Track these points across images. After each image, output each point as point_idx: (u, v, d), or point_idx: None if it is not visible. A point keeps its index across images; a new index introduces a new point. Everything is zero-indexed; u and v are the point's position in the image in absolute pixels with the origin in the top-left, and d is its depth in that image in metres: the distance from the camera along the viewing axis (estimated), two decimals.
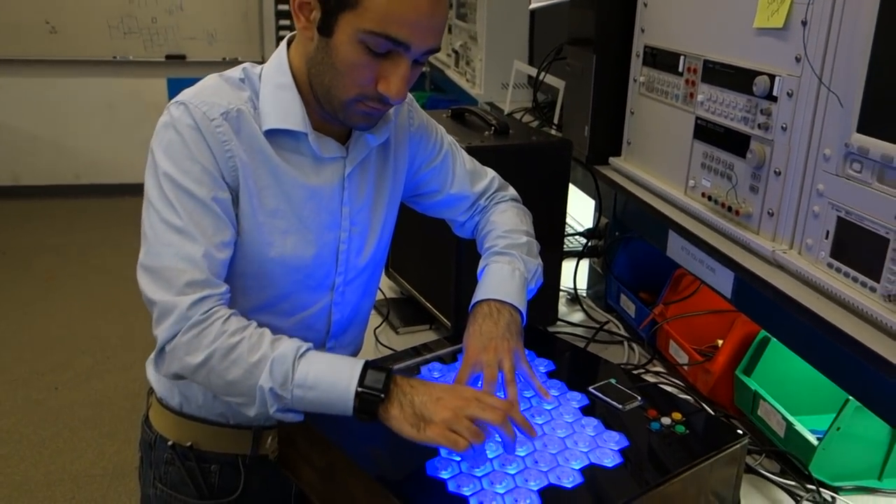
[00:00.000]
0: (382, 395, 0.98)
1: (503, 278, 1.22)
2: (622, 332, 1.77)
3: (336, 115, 1.09)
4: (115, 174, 5.72)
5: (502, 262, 1.25)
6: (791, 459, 1.26)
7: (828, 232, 1.07)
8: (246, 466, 1.26)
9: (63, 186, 5.75)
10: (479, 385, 1.11)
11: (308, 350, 1.02)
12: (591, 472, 1.02)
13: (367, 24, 0.98)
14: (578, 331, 1.76)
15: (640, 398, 1.19)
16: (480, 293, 1.21)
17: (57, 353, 3.68)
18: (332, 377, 1.00)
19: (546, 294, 1.73)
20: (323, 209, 1.16)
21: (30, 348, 3.72)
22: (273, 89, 1.11)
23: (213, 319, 1.03)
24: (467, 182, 1.36)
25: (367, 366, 1.01)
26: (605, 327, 1.77)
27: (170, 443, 1.25)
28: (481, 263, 1.28)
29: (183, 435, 1.25)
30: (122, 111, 5.65)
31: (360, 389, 0.99)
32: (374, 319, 1.76)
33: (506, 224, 1.32)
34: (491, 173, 1.40)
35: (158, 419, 1.27)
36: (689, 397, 1.45)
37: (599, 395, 1.20)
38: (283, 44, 1.14)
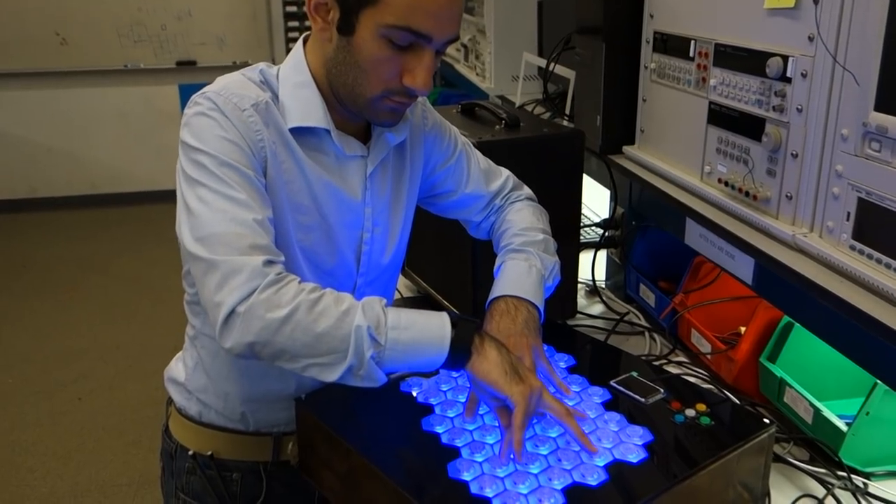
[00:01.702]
0: (479, 327, 1.00)
1: (520, 275, 1.21)
2: (643, 322, 1.75)
3: (362, 113, 1.08)
4: (132, 183, 5.75)
5: (518, 259, 1.23)
6: (820, 446, 1.24)
7: (849, 213, 1.04)
8: (268, 473, 1.25)
9: (80, 197, 5.78)
10: None
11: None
12: (616, 468, 1.00)
13: (388, 19, 0.98)
14: (598, 323, 1.74)
15: (663, 391, 1.17)
16: (497, 290, 1.20)
17: (79, 363, 3.70)
18: (424, 317, 0.99)
19: (564, 286, 1.71)
20: (346, 208, 1.15)
21: (52, 360, 3.75)
22: (293, 88, 1.10)
23: (289, 279, 0.98)
24: (482, 182, 1.34)
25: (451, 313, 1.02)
26: (626, 318, 1.75)
27: (190, 452, 1.24)
28: (498, 261, 1.27)
29: (203, 444, 1.24)
30: (135, 119, 5.68)
31: (455, 320, 0.99)
32: None
33: (522, 222, 1.31)
34: (505, 173, 1.38)
35: (178, 429, 1.27)
36: (713, 387, 1.43)
37: (622, 389, 1.18)
38: (299, 43, 1.14)
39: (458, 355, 0.99)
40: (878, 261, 0.99)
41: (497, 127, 1.61)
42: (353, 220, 1.17)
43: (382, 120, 1.10)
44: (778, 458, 1.23)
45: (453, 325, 1.00)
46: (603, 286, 1.93)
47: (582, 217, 1.81)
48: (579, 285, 1.83)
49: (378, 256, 1.22)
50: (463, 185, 1.33)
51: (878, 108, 0.96)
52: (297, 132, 1.10)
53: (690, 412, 1.11)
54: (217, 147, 1.02)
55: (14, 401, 3.41)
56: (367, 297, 1.00)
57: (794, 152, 1.13)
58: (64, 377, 3.58)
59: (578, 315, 1.76)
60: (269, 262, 0.98)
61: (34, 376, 3.60)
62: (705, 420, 1.10)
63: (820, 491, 1.18)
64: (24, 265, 4.83)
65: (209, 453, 1.23)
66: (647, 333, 1.69)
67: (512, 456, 1.00)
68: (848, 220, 1.05)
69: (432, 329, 0.99)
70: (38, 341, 3.92)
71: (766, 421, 1.10)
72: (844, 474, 1.19)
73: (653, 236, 1.79)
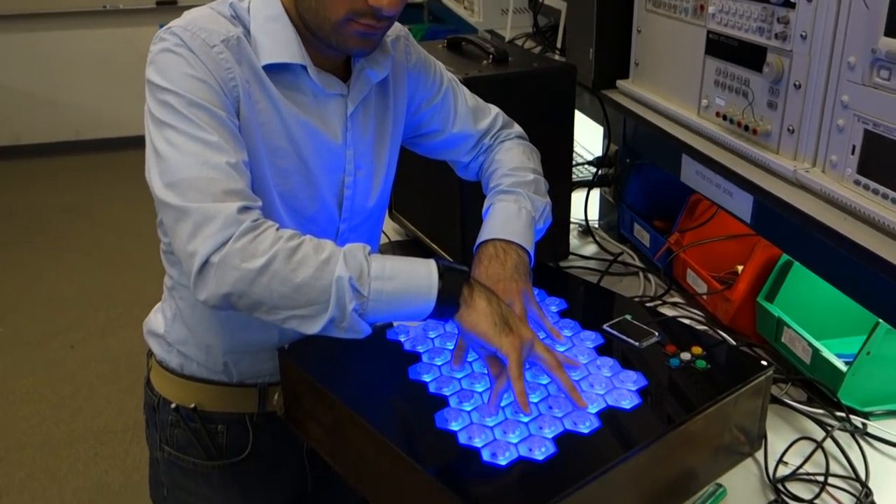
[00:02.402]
0: (469, 277, 0.95)
1: (509, 217, 1.16)
2: (637, 263, 1.71)
3: (330, 40, 1.01)
4: (116, 128, 5.63)
5: (508, 200, 1.18)
6: (818, 387, 1.21)
7: (854, 147, 1.00)
8: (254, 424, 1.22)
9: (64, 143, 5.67)
10: None
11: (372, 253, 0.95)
12: (609, 415, 0.97)
13: None
14: (591, 264, 1.70)
15: (657, 333, 1.13)
16: (485, 233, 1.15)
17: (70, 311, 3.67)
18: (410, 265, 0.94)
19: (557, 227, 1.66)
20: (326, 151, 1.10)
21: (43, 308, 3.71)
22: (264, 22, 1.03)
23: (266, 226, 0.92)
24: (470, 120, 1.28)
25: (438, 258, 0.97)
26: (619, 259, 1.71)
27: (173, 405, 1.21)
28: (486, 203, 1.22)
29: (186, 396, 1.21)
30: (116, 62, 5.53)
31: (442, 266, 0.94)
32: None
33: (511, 162, 1.25)
34: (495, 110, 1.32)
35: (160, 381, 1.23)
36: (708, 329, 1.40)
37: (615, 332, 1.14)
38: None
39: (446, 306, 0.95)
40: (885, 196, 0.95)
41: (484, 62, 1.54)
42: (334, 163, 1.11)
43: (352, 47, 1.03)
44: (775, 400, 1.20)
45: (440, 274, 0.94)
46: (596, 226, 1.89)
47: (574, 155, 1.75)
48: (571, 226, 1.78)
49: (361, 201, 1.17)
50: (450, 125, 1.27)
51: (888, 34, 0.91)
52: (272, 69, 1.03)
53: (686, 355, 1.08)
54: (185, 86, 0.96)
55: (6, 350, 3.38)
56: (350, 245, 0.95)
57: (797, 83, 1.08)
58: (55, 325, 3.56)
59: (571, 256, 1.72)
60: (245, 209, 0.93)
61: (25, 325, 3.57)
62: (701, 363, 1.07)
63: (817, 432, 1.15)
64: (10, 213, 4.76)
65: (192, 406, 1.20)
66: (641, 274, 1.65)
67: (502, 406, 0.97)
68: (853, 153, 1.00)
69: (418, 279, 0.94)
70: (28, 290, 3.88)
71: (764, 363, 1.07)
72: (843, 415, 1.16)
73: (647, 174, 1.73)
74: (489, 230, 1.15)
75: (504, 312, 0.97)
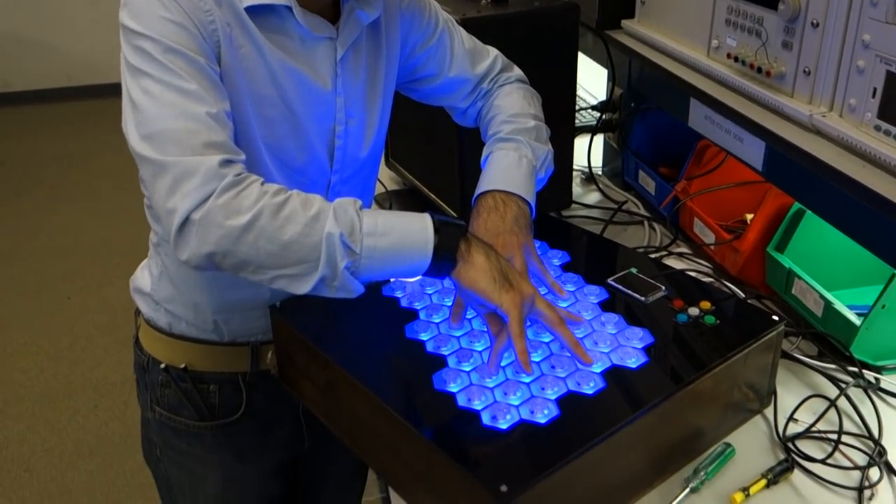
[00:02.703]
0: (465, 232, 0.91)
1: (509, 167, 1.10)
2: (642, 211, 1.66)
3: None
4: (109, 73, 5.50)
5: (508, 148, 1.12)
6: (830, 341, 1.17)
7: (875, 89, 0.95)
8: (247, 384, 1.19)
9: (56, 90, 5.56)
10: None
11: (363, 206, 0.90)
12: (614, 374, 0.93)
13: None
14: (595, 213, 1.65)
15: (664, 287, 1.09)
16: (484, 184, 1.10)
17: (66, 262, 3.63)
18: (404, 220, 0.89)
19: (559, 175, 1.60)
20: (315, 99, 1.03)
21: (39, 259, 3.68)
22: None
23: (250, 181, 0.87)
24: (467, 63, 1.22)
25: (434, 213, 0.92)
26: (624, 207, 1.66)
27: (162, 365, 1.17)
28: (485, 151, 1.16)
29: (176, 356, 1.17)
30: (106, 4, 5.38)
31: (438, 222, 0.89)
32: None
33: (511, 108, 1.19)
34: (493, 52, 1.25)
35: (148, 341, 1.20)
36: (715, 280, 1.35)
37: (619, 287, 1.10)
38: None
39: (443, 262, 0.90)
40: None
41: (483, 2, 1.46)
42: (324, 111, 1.05)
43: None
44: (785, 355, 1.16)
45: (436, 229, 0.89)
46: (599, 173, 1.83)
47: (577, 100, 1.69)
48: (574, 173, 1.72)
49: (354, 151, 1.11)
50: (446, 69, 1.21)
51: None
52: (255, 11, 0.96)
53: (694, 311, 1.04)
54: (161, 30, 0.89)
55: (2, 302, 3.35)
56: (340, 199, 0.89)
57: (815, 21, 1.02)
58: (51, 276, 3.52)
59: (573, 205, 1.67)
60: (227, 162, 0.87)
61: (21, 276, 3.54)
62: (710, 319, 1.02)
63: (828, 387, 1.11)
64: (2, 163, 4.69)
65: (183, 366, 1.16)
66: (646, 223, 1.60)
67: (503, 366, 0.93)
68: (873, 96, 0.95)
69: (413, 235, 0.89)
70: (22, 240, 3.84)
71: (775, 318, 1.02)
72: (855, 370, 1.12)
73: (653, 119, 1.67)
74: (488, 181, 1.10)
75: (503, 267, 0.92)
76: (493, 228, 1.04)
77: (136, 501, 2.38)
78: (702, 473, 0.95)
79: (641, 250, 1.47)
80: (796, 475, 0.97)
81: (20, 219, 4.05)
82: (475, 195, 1.10)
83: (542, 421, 0.86)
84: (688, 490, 0.94)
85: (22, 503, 2.39)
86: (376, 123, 1.13)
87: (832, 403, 1.02)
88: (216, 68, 0.93)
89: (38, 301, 3.36)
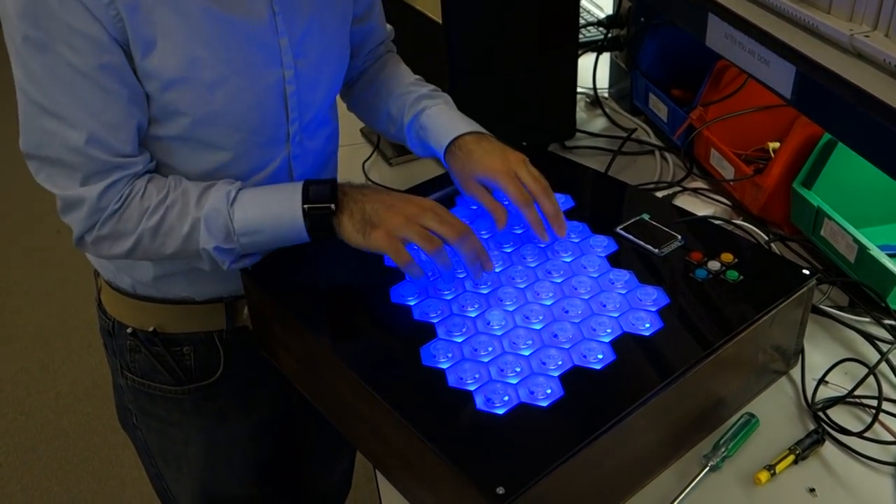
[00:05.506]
0: (332, 206, 0.90)
1: (461, 116, 1.05)
2: (653, 140, 1.52)
3: None
4: None
5: (441, 102, 1.07)
6: (864, 290, 1.05)
7: None
8: (224, 343, 1.09)
9: None
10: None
11: (240, 192, 0.91)
12: (625, 343, 0.83)
13: None
14: (601, 142, 1.52)
15: (680, 237, 0.98)
16: (449, 131, 1.02)
17: (52, 194, 3.52)
18: (276, 209, 0.91)
19: (562, 101, 1.48)
20: (254, 46, 0.90)
21: (25, 191, 3.56)
22: None
23: (129, 201, 0.90)
24: (383, 17, 1.16)
25: (309, 183, 0.92)
26: (633, 136, 1.52)
27: (129, 329, 1.07)
28: (411, 110, 1.07)
29: (143, 319, 1.07)
30: None
31: (307, 207, 0.90)
32: (364, 150, 1.53)
33: (410, 75, 1.15)
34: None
35: (112, 303, 1.09)
36: (735, 225, 1.24)
37: (630, 237, 0.98)
38: None
39: (323, 237, 0.92)
40: None
41: None
42: (267, 57, 0.92)
43: None
44: (813, 309, 1.05)
45: (305, 213, 0.90)
46: (606, 96, 1.69)
47: (581, 14, 1.53)
48: (578, 97, 1.58)
49: (309, 95, 0.98)
50: (374, 14, 1.13)
51: None
52: None
53: (714, 265, 0.93)
54: (43, 28, 0.80)
55: None
56: (213, 197, 0.90)
57: None
58: (39, 209, 3.41)
59: (578, 134, 1.53)
60: (111, 186, 0.88)
61: (6, 210, 3.44)
62: (732, 274, 0.91)
63: (859, 342, 1.01)
64: None
65: (151, 329, 1.06)
66: (657, 153, 1.47)
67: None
68: None
69: (285, 221, 0.91)
70: (8, 173, 3.71)
71: (806, 272, 0.91)
72: (893, 323, 1.01)
73: (666, 36, 1.51)
74: (450, 129, 1.02)
75: (366, 212, 0.90)
76: (488, 148, 0.99)
77: None
78: (722, 450, 0.85)
79: (652, 186, 1.35)
80: (827, 448, 0.87)
81: (2, 151, 3.91)
82: (444, 145, 1.01)
83: (545, 404, 0.76)
84: (707, 469, 0.84)
85: (18, 447, 2.35)
86: (335, 60, 1.03)
87: (871, 371, 0.91)
88: (115, 60, 0.84)
89: (26, 235, 3.26)
